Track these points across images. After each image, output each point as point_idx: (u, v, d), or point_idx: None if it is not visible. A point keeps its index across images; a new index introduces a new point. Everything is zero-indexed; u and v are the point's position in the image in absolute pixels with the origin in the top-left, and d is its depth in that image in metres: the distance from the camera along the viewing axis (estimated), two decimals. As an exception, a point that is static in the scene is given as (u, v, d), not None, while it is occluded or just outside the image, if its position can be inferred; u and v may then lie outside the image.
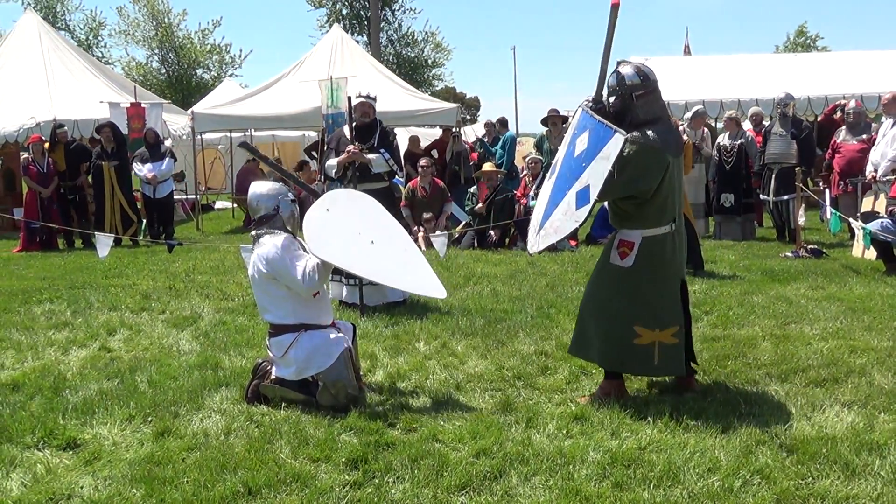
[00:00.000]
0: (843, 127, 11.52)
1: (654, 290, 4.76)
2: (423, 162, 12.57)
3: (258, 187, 5.12)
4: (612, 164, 4.42)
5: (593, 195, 4.45)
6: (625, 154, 4.52)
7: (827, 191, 11.14)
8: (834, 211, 9.66)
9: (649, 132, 4.64)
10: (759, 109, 12.37)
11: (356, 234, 5.08)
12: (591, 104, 4.71)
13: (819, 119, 14.43)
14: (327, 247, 4.90)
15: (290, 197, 5.09)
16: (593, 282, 4.99)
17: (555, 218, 4.64)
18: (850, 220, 9.71)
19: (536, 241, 4.75)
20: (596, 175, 4.46)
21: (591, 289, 4.98)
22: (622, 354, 4.79)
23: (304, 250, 5.00)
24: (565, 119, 12.72)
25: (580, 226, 4.67)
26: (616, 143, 4.42)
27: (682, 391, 4.93)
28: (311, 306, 4.95)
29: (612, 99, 4.76)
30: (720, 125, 15.44)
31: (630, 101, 4.70)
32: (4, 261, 11.52)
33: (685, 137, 9.74)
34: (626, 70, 4.74)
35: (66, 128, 14.02)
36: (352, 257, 5.00)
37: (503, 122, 15.70)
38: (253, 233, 5.08)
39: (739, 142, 11.74)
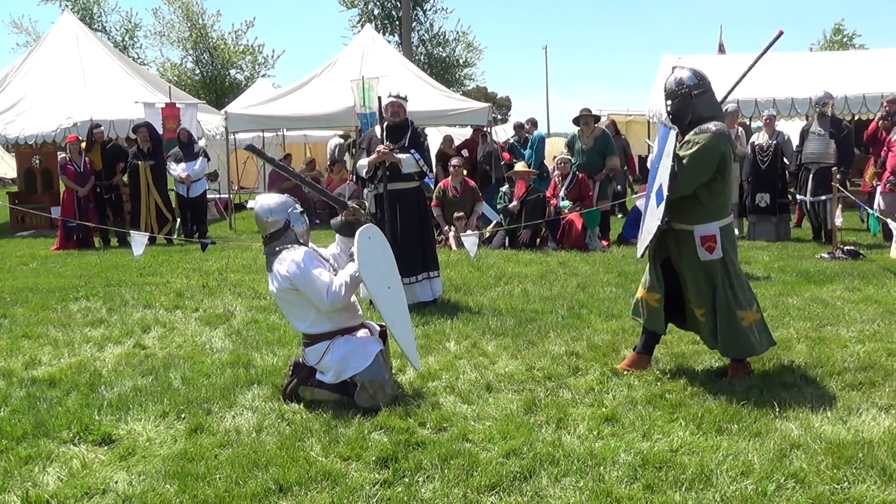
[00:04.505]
0: None
1: (739, 274, 5.20)
2: (454, 161, 12.57)
3: (265, 200, 5.00)
4: (673, 158, 4.87)
5: (666, 192, 4.90)
6: (697, 144, 4.96)
7: (879, 188, 10.91)
8: (871, 211, 9.50)
9: (711, 125, 5.07)
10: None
11: (381, 273, 5.07)
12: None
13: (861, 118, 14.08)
14: (373, 271, 4.92)
15: (298, 209, 5.02)
16: (693, 281, 5.17)
17: (647, 221, 5.24)
18: (889, 220, 9.54)
19: (640, 246, 5.37)
20: (665, 172, 4.94)
21: (693, 288, 5.18)
22: (740, 341, 5.11)
23: (325, 261, 5.01)
24: (597, 118, 12.64)
25: (661, 223, 4.98)
26: (671, 138, 4.91)
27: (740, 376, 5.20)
28: (341, 309, 4.95)
29: (670, 102, 5.21)
30: (756, 124, 15.26)
31: (690, 101, 5.12)
32: (42, 259, 11.72)
33: None
34: (683, 73, 5.18)
35: (102, 128, 14.22)
36: (380, 291, 5.00)
37: (534, 123, 15.65)
38: (266, 251, 4.98)
39: (775, 141, 11.59)
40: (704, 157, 4.97)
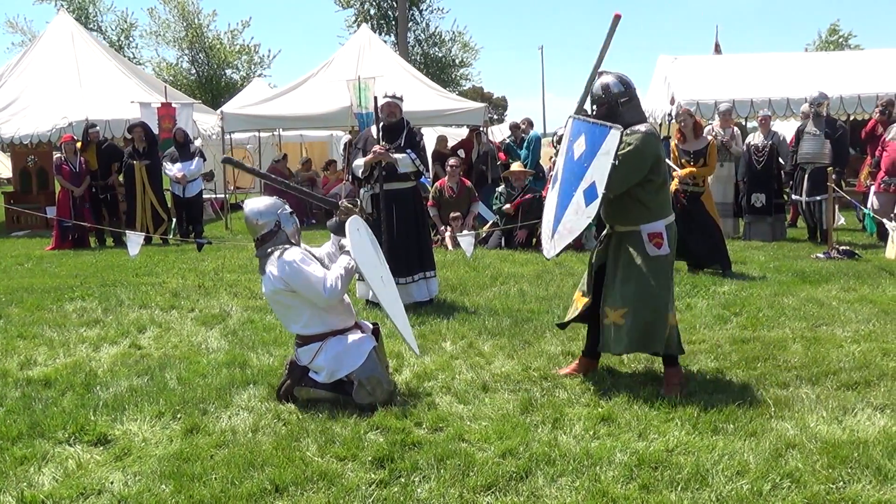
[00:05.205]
0: (894, 125, 11.21)
1: (672, 277, 5.23)
2: (451, 161, 12.57)
3: (254, 203, 5.03)
4: (614, 157, 4.78)
5: (600, 190, 4.81)
6: (630, 145, 4.90)
7: (872, 188, 10.91)
8: (867, 211, 9.52)
9: (641, 126, 5.02)
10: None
11: (374, 263, 5.12)
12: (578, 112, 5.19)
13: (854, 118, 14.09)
14: (367, 261, 4.94)
15: (288, 210, 5.02)
16: (629, 280, 5.06)
17: (566, 220, 5.05)
18: (885, 220, 9.57)
19: (552, 246, 5.19)
20: (599, 170, 4.83)
21: (624, 289, 5.06)
22: (672, 338, 5.06)
23: (317, 260, 5.01)
24: (593, 118, 12.62)
25: (591, 222, 4.96)
26: (613, 137, 4.82)
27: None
28: (333, 310, 4.95)
29: (595, 108, 5.14)
30: (751, 124, 15.28)
31: (616, 108, 5.05)
32: (37, 259, 11.69)
33: (710, 137, 9.65)
34: (609, 79, 5.11)
35: (97, 127, 14.22)
36: (376, 280, 5.06)
37: (530, 123, 15.66)
38: (258, 253, 4.99)
39: (771, 141, 11.61)
40: (638, 157, 4.92)
